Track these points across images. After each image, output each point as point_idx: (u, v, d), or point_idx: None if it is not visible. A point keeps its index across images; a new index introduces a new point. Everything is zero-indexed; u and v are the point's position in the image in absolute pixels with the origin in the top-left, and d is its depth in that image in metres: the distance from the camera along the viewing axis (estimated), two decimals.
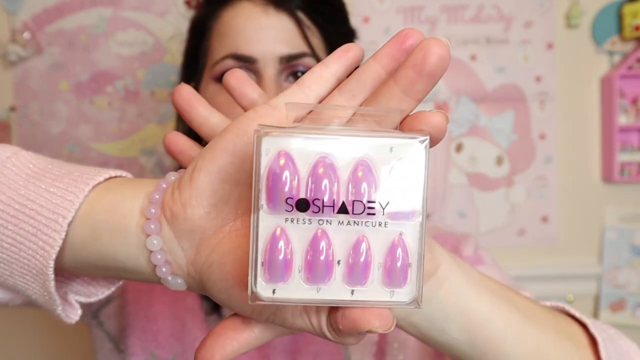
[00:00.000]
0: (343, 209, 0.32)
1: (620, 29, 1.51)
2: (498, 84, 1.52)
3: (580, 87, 1.53)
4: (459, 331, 0.45)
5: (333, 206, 0.32)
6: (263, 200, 0.32)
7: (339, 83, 0.39)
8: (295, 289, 0.32)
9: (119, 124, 1.44)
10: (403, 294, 0.33)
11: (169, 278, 0.40)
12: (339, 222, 0.32)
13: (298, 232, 0.32)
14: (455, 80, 1.51)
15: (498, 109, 1.52)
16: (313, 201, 0.32)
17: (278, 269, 0.32)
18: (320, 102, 0.39)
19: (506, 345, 0.46)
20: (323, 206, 0.32)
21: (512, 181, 1.53)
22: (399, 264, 0.32)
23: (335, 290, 0.32)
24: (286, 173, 0.32)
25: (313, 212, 0.32)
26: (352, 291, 0.32)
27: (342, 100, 0.38)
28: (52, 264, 0.41)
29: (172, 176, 0.41)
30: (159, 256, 0.39)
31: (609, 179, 1.51)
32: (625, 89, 1.50)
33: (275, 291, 0.32)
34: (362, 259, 0.32)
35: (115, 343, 0.83)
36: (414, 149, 0.32)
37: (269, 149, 0.32)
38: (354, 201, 0.32)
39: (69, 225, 0.41)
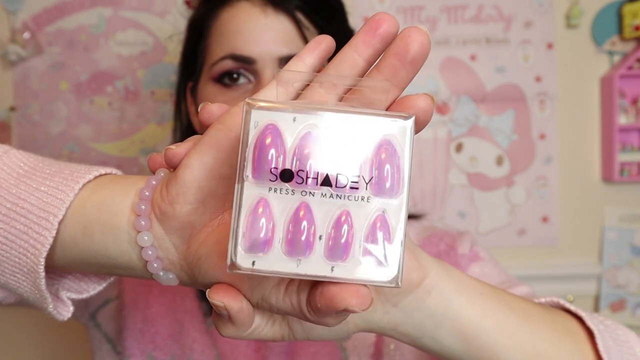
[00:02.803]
0: (326, 182, 0.32)
1: (620, 29, 1.50)
2: (498, 84, 1.51)
3: (580, 87, 1.53)
4: (452, 338, 0.45)
5: (317, 178, 0.32)
6: (249, 171, 0.33)
7: (312, 72, 0.39)
8: (274, 261, 0.32)
9: (119, 124, 1.44)
10: (384, 273, 0.32)
11: (161, 273, 0.41)
12: (322, 194, 0.32)
13: (281, 202, 0.32)
14: (455, 80, 1.51)
15: (498, 109, 1.52)
16: (297, 172, 0.32)
17: (258, 240, 0.32)
18: (298, 94, 0.39)
19: (502, 350, 0.46)
20: (307, 178, 0.32)
21: (512, 181, 1.53)
22: (380, 242, 0.32)
23: (315, 265, 0.32)
24: (272, 144, 0.32)
25: (297, 182, 0.32)
26: (332, 267, 0.32)
27: (322, 90, 0.38)
28: (42, 261, 0.41)
29: (161, 172, 0.41)
30: (149, 252, 0.40)
31: (609, 179, 1.51)
32: (625, 89, 1.50)
33: (255, 262, 0.32)
34: (343, 235, 0.32)
35: (113, 345, 0.83)
36: (399, 128, 0.33)
37: (258, 121, 0.33)
38: (337, 174, 0.32)
39: (60, 223, 0.41)
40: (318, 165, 0.32)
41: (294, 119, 0.33)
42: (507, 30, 1.51)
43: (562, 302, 0.56)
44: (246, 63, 0.76)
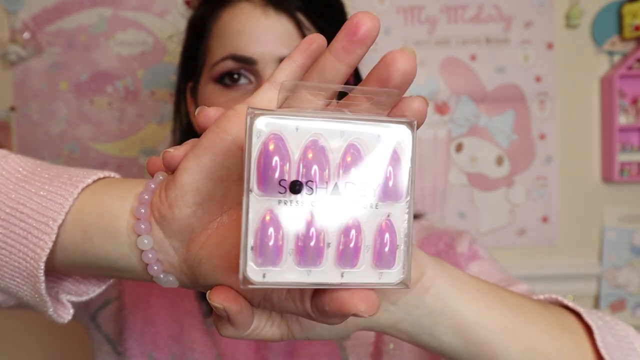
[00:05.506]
0: (335, 191, 0.32)
1: (620, 29, 1.50)
2: (498, 84, 1.51)
3: (580, 87, 1.53)
4: (450, 335, 0.45)
5: (326, 188, 0.32)
6: (253, 183, 0.32)
7: (303, 72, 0.39)
8: (286, 272, 0.32)
9: (119, 124, 1.45)
10: (392, 276, 0.33)
11: (161, 276, 0.41)
12: (331, 203, 0.33)
13: (290, 214, 0.32)
14: (455, 80, 1.51)
15: (498, 109, 1.52)
16: (306, 183, 0.32)
17: (268, 253, 0.32)
18: (286, 98, 0.39)
19: (500, 347, 0.46)
20: (316, 188, 0.32)
21: (512, 181, 1.53)
22: (387, 246, 0.33)
23: (326, 273, 0.33)
24: (278, 155, 0.32)
25: (306, 194, 0.32)
26: (342, 274, 0.33)
27: (309, 96, 0.38)
28: (42, 266, 0.41)
29: (160, 176, 0.41)
30: (150, 255, 0.40)
31: (609, 179, 1.51)
32: (625, 89, 1.50)
33: (266, 275, 0.32)
34: (352, 242, 0.33)
35: (114, 345, 0.83)
36: (401, 132, 0.33)
37: (261, 131, 0.32)
38: (345, 183, 0.33)
39: (60, 227, 0.41)
40: (325, 174, 0.32)
41: (297, 128, 0.32)
42: (507, 30, 1.51)
43: (561, 298, 0.56)
44: (247, 64, 0.76)
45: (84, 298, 0.49)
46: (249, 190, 0.32)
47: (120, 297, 0.84)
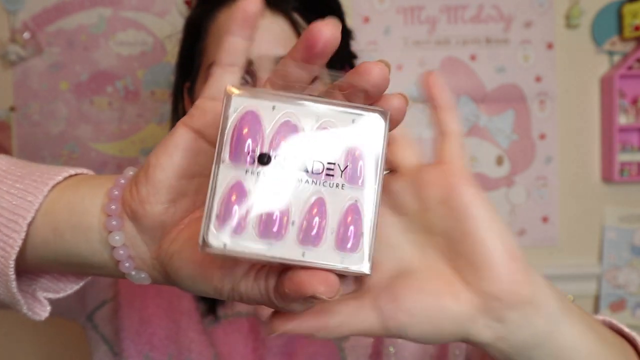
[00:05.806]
0: (302, 167, 0.33)
1: (620, 29, 1.50)
2: (498, 84, 1.51)
3: (580, 87, 1.53)
4: (546, 358, 0.43)
5: (294, 164, 0.33)
6: (226, 154, 0.33)
7: (251, 43, 0.39)
8: (246, 243, 0.33)
9: (119, 124, 1.45)
10: (353, 261, 0.33)
11: (133, 273, 0.41)
12: (298, 179, 0.33)
13: (257, 185, 0.33)
14: (455, 80, 1.51)
15: (498, 109, 1.52)
16: (274, 157, 0.33)
17: (231, 221, 0.32)
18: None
19: None
20: (283, 162, 0.33)
21: (512, 181, 1.53)
22: (352, 230, 0.33)
23: (287, 249, 0.33)
24: (251, 130, 0.33)
25: (274, 168, 0.33)
26: (304, 252, 0.33)
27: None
28: (12, 264, 0.41)
29: (130, 171, 0.41)
30: (121, 252, 0.40)
31: (609, 179, 1.51)
32: (625, 89, 1.50)
33: (227, 244, 0.32)
34: (316, 221, 0.33)
35: (110, 345, 0.84)
36: (374, 120, 0.34)
37: (237, 107, 0.33)
38: (314, 161, 0.33)
39: (29, 225, 0.41)
40: (295, 151, 0.33)
41: (273, 107, 0.33)
42: (507, 30, 1.51)
43: (614, 322, 0.54)
44: None
45: (61, 295, 0.48)
46: (220, 161, 0.33)
47: (116, 297, 0.84)
